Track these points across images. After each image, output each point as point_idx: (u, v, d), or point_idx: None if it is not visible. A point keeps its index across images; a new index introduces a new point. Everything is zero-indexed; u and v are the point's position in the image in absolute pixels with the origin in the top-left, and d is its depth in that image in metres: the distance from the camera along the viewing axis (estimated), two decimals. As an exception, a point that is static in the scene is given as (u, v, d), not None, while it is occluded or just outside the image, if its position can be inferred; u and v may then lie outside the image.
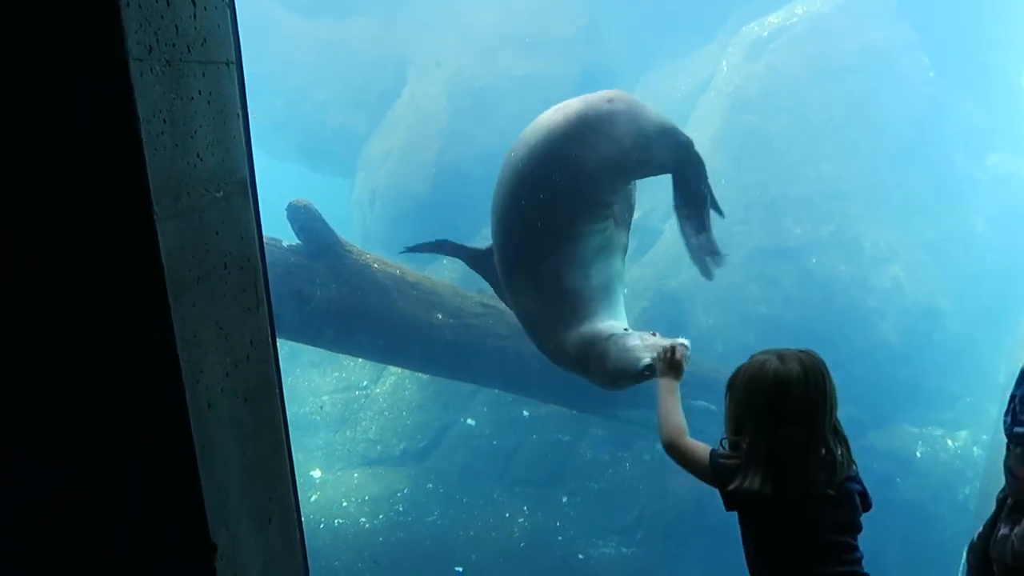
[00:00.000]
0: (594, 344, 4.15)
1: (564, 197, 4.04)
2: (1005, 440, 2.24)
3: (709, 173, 4.48)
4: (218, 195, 1.72)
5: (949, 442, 7.43)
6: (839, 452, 2.20)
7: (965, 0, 8.56)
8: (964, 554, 2.39)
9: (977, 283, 7.93)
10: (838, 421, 2.25)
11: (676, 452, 2.43)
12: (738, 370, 2.28)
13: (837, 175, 7.74)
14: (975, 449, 7.43)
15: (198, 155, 1.63)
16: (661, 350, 2.66)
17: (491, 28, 8.98)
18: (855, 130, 7.80)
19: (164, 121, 1.48)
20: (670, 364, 2.61)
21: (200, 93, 1.65)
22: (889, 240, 7.75)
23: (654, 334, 4.05)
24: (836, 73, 8.00)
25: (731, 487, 2.18)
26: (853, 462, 2.24)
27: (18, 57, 1.34)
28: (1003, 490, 2.23)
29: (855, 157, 7.77)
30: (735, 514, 2.25)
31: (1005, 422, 2.17)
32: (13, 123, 1.36)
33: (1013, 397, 2.16)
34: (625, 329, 4.23)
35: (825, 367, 2.24)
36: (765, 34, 8.24)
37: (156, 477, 1.52)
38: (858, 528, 2.23)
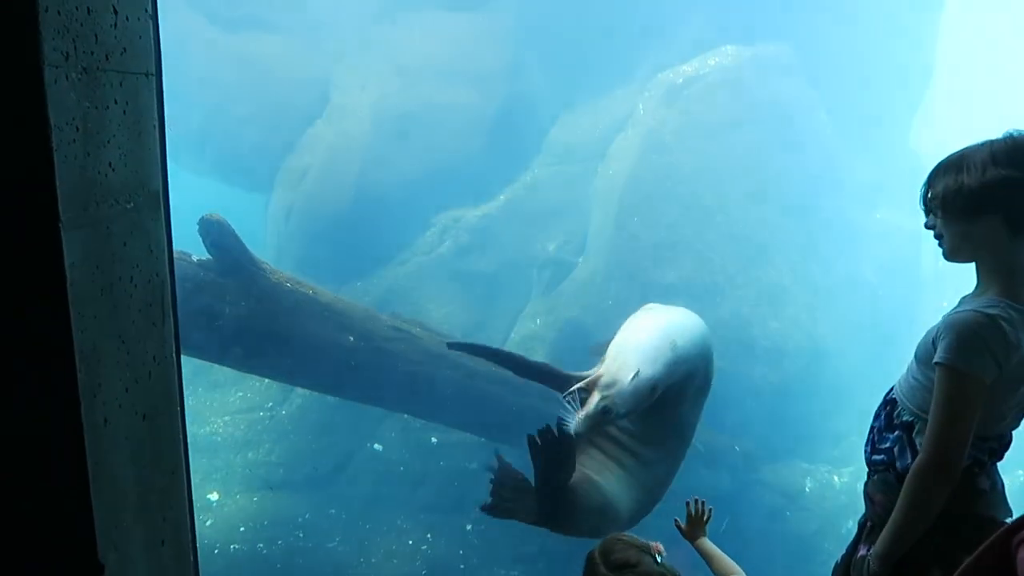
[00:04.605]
0: None
1: None
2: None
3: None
4: (128, 206, 1.69)
5: (835, 478, 7.82)
6: None
7: (862, 63, 9.21)
8: None
9: (863, 329, 8.43)
10: None
11: None
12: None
13: (740, 220, 8.14)
14: (859, 485, 7.84)
15: (110, 165, 1.60)
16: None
17: (415, 56, 9.04)
18: (758, 178, 8.23)
19: (77, 129, 1.46)
20: (694, 522, 2.62)
21: (116, 102, 1.63)
22: (786, 284, 8.17)
23: None
24: (743, 122, 8.43)
25: None
26: None
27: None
28: (864, 515, 2.41)
29: (757, 203, 8.19)
30: None
31: (865, 451, 2.35)
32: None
33: (872, 428, 2.35)
34: None
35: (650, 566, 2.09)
36: (680, 81, 8.62)
37: (45, 493, 1.47)
38: None
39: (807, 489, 7.50)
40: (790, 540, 7.21)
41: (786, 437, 7.79)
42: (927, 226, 2.21)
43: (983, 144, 2.11)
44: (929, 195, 2.18)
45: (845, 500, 7.65)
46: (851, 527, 8.06)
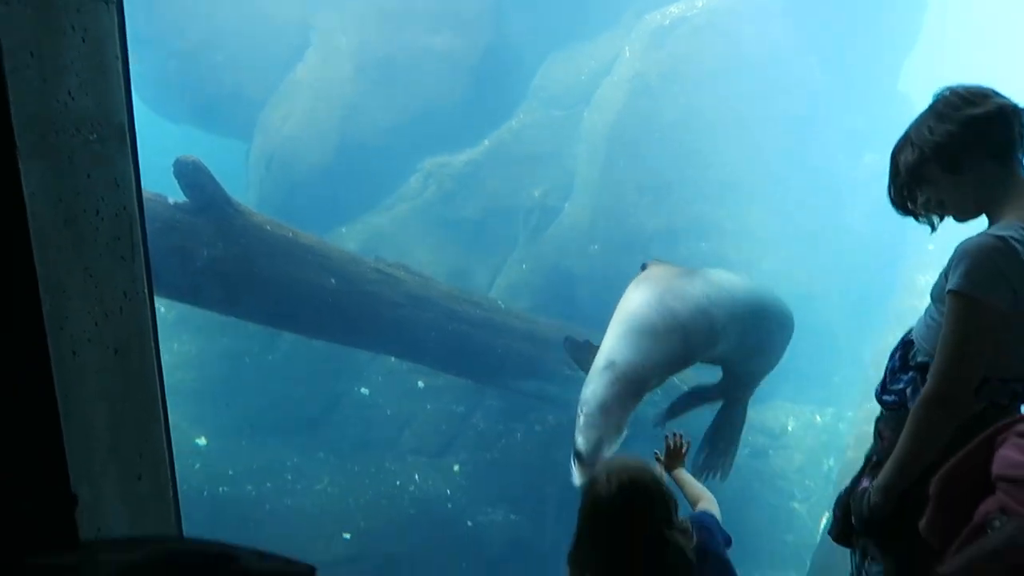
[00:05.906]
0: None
1: None
2: (868, 416, 2.45)
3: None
4: (91, 137, 1.65)
5: (817, 418, 7.97)
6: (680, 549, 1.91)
7: (852, 6, 9.06)
8: (831, 509, 2.60)
9: (848, 273, 8.49)
10: (675, 522, 1.95)
11: None
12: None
13: (728, 164, 8.10)
14: (840, 424, 8.01)
15: (69, 93, 1.56)
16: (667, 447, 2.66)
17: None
18: (745, 122, 8.15)
19: (31, 55, 1.42)
20: (673, 455, 2.67)
21: (74, 28, 1.58)
22: (773, 228, 8.18)
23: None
24: (731, 67, 8.32)
25: None
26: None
27: None
28: (871, 449, 2.44)
29: (744, 148, 8.14)
30: None
31: (876, 391, 2.37)
32: None
33: (886, 369, 2.36)
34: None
35: (652, 484, 1.95)
36: (666, 23, 8.47)
37: (14, 424, 1.47)
38: None
39: (790, 428, 7.65)
40: (773, 477, 7.38)
41: (770, 378, 7.89)
42: (921, 206, 2.22)
43: (918, 117, 2.20)
44: (900, 179, 2.23)
45: (826, 439, 7.82)
46: (832, 465, 8.25)
